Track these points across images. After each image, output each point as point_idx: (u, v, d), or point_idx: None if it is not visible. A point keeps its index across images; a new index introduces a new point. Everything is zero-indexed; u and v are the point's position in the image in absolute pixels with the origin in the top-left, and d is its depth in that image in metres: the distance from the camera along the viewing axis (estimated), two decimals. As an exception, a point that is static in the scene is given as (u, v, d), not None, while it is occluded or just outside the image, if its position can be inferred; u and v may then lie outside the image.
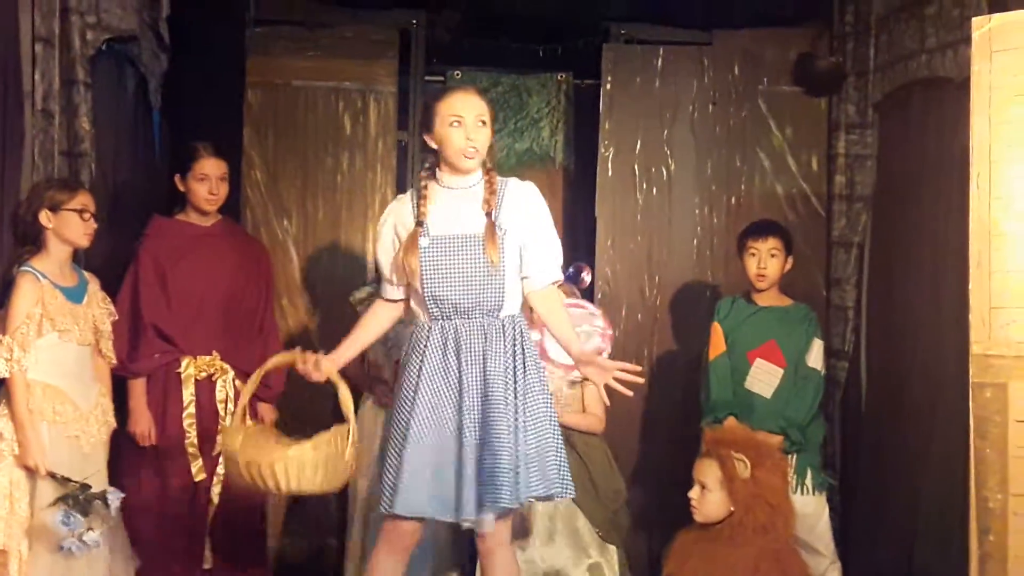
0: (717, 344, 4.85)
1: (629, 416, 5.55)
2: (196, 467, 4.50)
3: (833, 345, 5.27)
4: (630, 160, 5.79)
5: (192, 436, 4.52)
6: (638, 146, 5.79)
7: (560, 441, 3.68)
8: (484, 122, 3.67)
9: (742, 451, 3.70)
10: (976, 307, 3.55)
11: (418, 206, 3.71)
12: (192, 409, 4.53)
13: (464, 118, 3.64)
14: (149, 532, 4.41)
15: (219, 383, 4.56)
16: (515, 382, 3.63)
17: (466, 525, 3.66)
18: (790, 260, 4.81)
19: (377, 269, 3.90)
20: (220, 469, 4.48)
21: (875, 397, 5.22)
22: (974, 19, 3.67)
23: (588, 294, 5.56)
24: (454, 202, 3.70)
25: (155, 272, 4.55)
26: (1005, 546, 3.47)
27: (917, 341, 4.72)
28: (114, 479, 4.37)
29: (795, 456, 4.64)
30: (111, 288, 4.24)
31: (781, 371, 4.71)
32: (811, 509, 4.65)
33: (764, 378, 4.73)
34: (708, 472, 3.73)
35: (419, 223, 3.68)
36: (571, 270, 4.56)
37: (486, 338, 3.65)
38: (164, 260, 4.57)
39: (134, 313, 4.51)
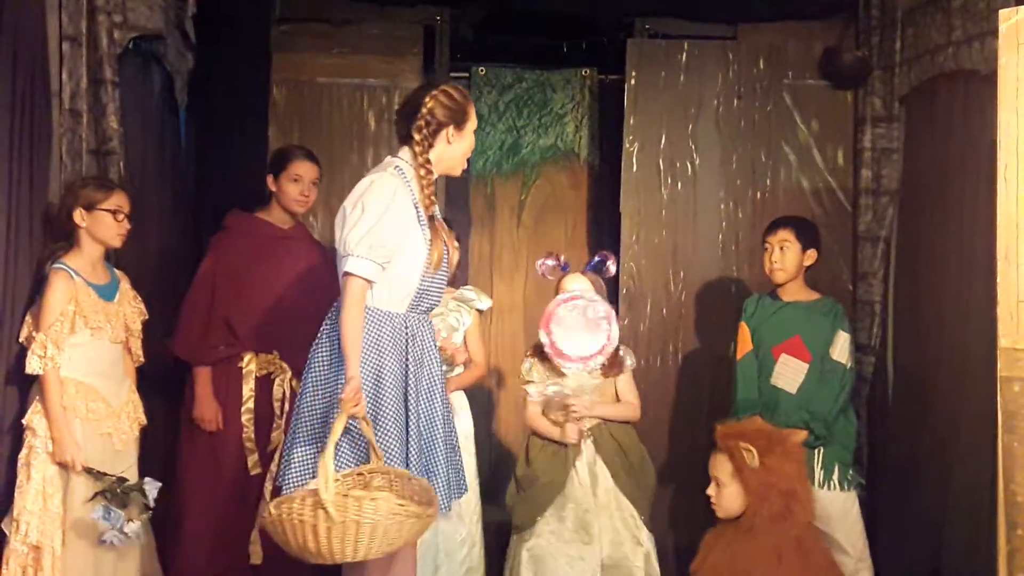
0: (744, 343, 4.84)
1: (656, 411, 5.55)
2: (252, 461, 4.59)
3: (859, 340, 5.24)
4: (655, 155, 5.78)
5: (250, 430, 4.61)
6: (663, 141, 5.79)
7: None
8: None
9: (750, 441, 3.69)
10: (1004, 301, 3.53)
11: (427, 196, 3.62)
12: (251, 404, 4.61)
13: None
14: (200, 522, 4.52)
15: (276, 382, 4.63)
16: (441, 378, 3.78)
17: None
18: (811, 253, 4.76)
19: (361, 245, 3.51)
20: (273, 465, 4.56)
21: (902, 392, 5.20)
22: (1001, 11, 3.65)
23: (612, 288, 5.57)
24: None
25: (232, 266, 4.65)
26: (1034, 541, 3.46)
27: (944, 335, 4.69)
28: (171, 469, 4.50)
29: (822, 451, 4.62)
30: (140, 285, 4.27)
31: (806, 366, 4.69)
32: (839, 506, 4.62)
33: (789, 373, 4.71)
34: (721, 467, 3.74)
35: (431, 217, 3.65)
36: (595, 260, 4.55)
37: (428, 334, 3.71)
38: (242, 256, 4.67)
39: (208, 303, 4.62)
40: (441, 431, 3.66)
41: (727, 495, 3.71)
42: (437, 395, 3.67)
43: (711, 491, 3.77)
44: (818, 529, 3.73)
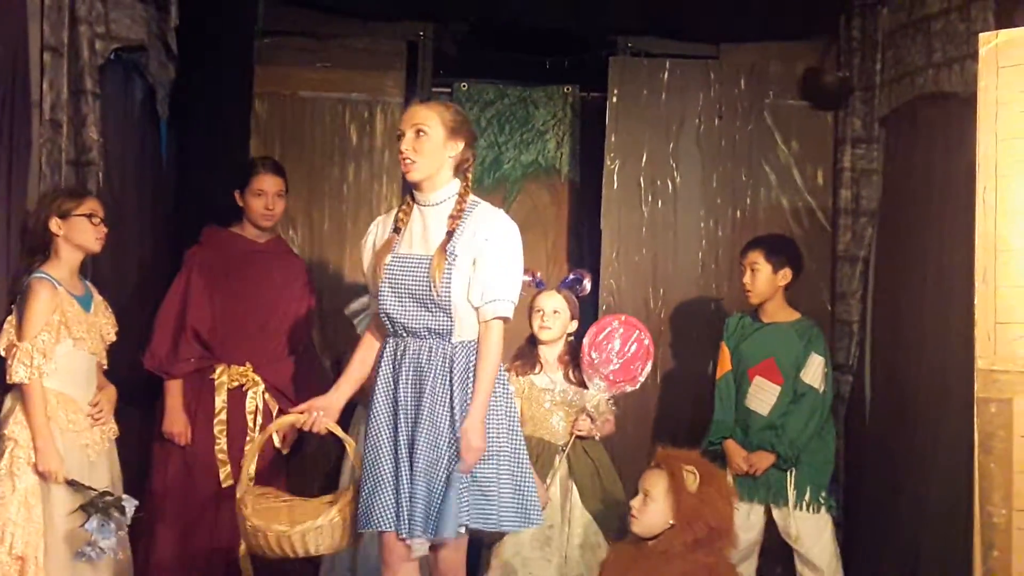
0: (723, 364, 4.86)
1: (635, 429, 5.55)
2: (224, 473, 4.58)
3: (838, 360, 5.26)
4: (636, 173, 5.79)
5: (222, 442, 4.61)
6: (644, 159, 5.80)
7: (506, 474, 3.61)
8: (423, 131, 3.59)
9: (693, 466, 3.70)
10: (982, 322, 3.55)
11: (396, 220, 3.70)
12: (223, 416, 4.61)
13: (404, 131, 3.63)
14: (173, 534, 4.52)
15: (249, 394, 4.62)
16: (451, 409, 3.56)
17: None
18: (784, 273, 4.76)
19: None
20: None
21: (879, 412, 5.21)
22: (981, 35, 3.68)
23: (592, 305, 5.57)
24: (424, 220, 3.67)
25: (204, 280, 4.65)
26: (1009, 562, 3.47)
27: (922, 356, 4.71)
28: (142, 481, 4.47)
29: (794, 472, 4.63)
30: (118, 297, 4.25)
31: (778, 389, 4.70)
32: (811, 526, 4.63)
33: (762, 396, 4.73)
34: (656, 482, 3.71)
35: (396, 230, 3.67)
36: (570, 277, 4.56)
37: (431, 360, 3.59)
38: (215, 270, 4.68)
39: (179, 316, 4.61)
40: (426, 462, 3.55)
41: (653, 511, 3.69)
42: (432, 422, 3.56)
43: (635, 503, 3.76)
44: (729, 562, 3.74)
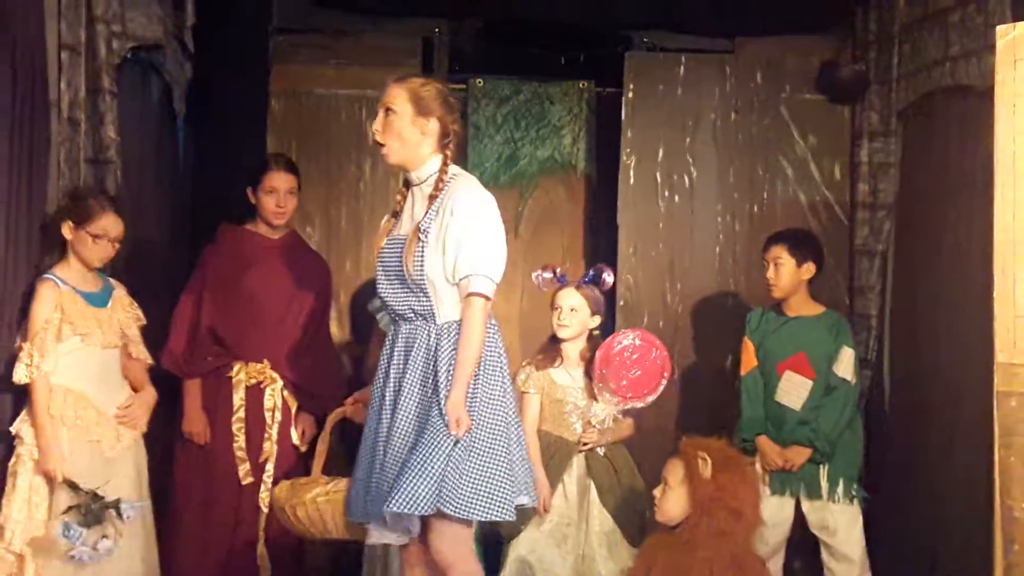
0: (748, 360, 4.84)
1: (653, 424, 5.54)
2: (243, 471, 4.58)
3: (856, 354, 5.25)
4: (652, 168, 5.79)
5: (241, 440, 4.60)
6: (660, 154, 5.79)
7: (472, 459, 3.43)
8: (391, 110, 3.57)
9: (710, 453, 3.70)
10: (1001, 316, 3.54)
11: (395, 204, 3.71)
12: (242, 413, 4.60)
13: (378, 111, 3.62)
14: (195, 533, 4.53)
15: (267, 391, 4.62)
16: (436, 389, 3.46)
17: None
18: (808, 267, 4.75)
19: None
20: (267, 476, 4.57)
21: (898, 406, 5.20)
22: (998, 27, 3.66)
23: (609, 300, 5.56)
24: (413, 200, 3.65)
25: (220, 278, 4.66)
26: (1030, 556, 3.46)
27: (941, 350, 4.70)
28: (163, 480, 4.46)
29: (827, 466, 4.62)
30: (136, 296, 4.26)
31: (810, 383, 4.69)
32: (845, 518, 4.64)
33: (793, 390, 4.71)
34: (673, 470, 3.75)
35: (394, 214, 3.68)
36: (592, 273, 4.56)
37: (416, 343, 3.54)
38: (230, 268, 4.68)
39: (195, 315, 4.63)
40: (395, 448, 3.49)
41: (670, 498, 3.72)
42: (400, 405, 3.51)
43: (657, 492, 3.79)
44: (757, 555, 3.75)
